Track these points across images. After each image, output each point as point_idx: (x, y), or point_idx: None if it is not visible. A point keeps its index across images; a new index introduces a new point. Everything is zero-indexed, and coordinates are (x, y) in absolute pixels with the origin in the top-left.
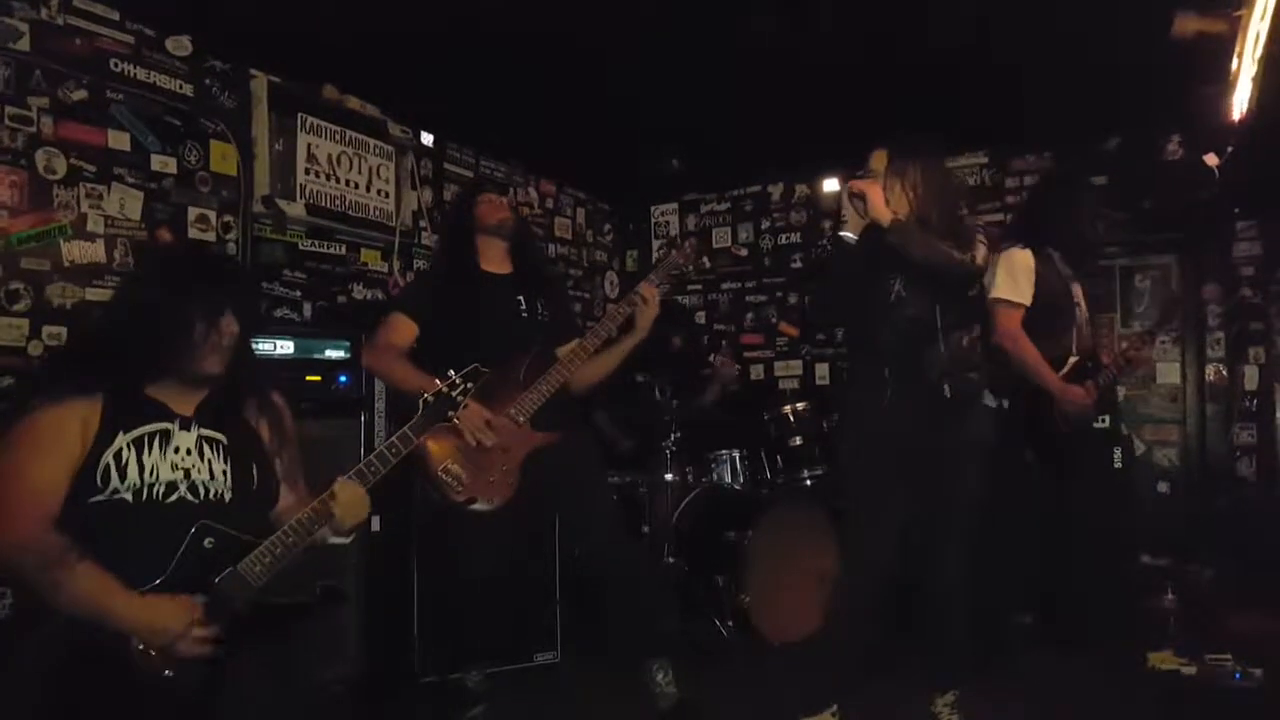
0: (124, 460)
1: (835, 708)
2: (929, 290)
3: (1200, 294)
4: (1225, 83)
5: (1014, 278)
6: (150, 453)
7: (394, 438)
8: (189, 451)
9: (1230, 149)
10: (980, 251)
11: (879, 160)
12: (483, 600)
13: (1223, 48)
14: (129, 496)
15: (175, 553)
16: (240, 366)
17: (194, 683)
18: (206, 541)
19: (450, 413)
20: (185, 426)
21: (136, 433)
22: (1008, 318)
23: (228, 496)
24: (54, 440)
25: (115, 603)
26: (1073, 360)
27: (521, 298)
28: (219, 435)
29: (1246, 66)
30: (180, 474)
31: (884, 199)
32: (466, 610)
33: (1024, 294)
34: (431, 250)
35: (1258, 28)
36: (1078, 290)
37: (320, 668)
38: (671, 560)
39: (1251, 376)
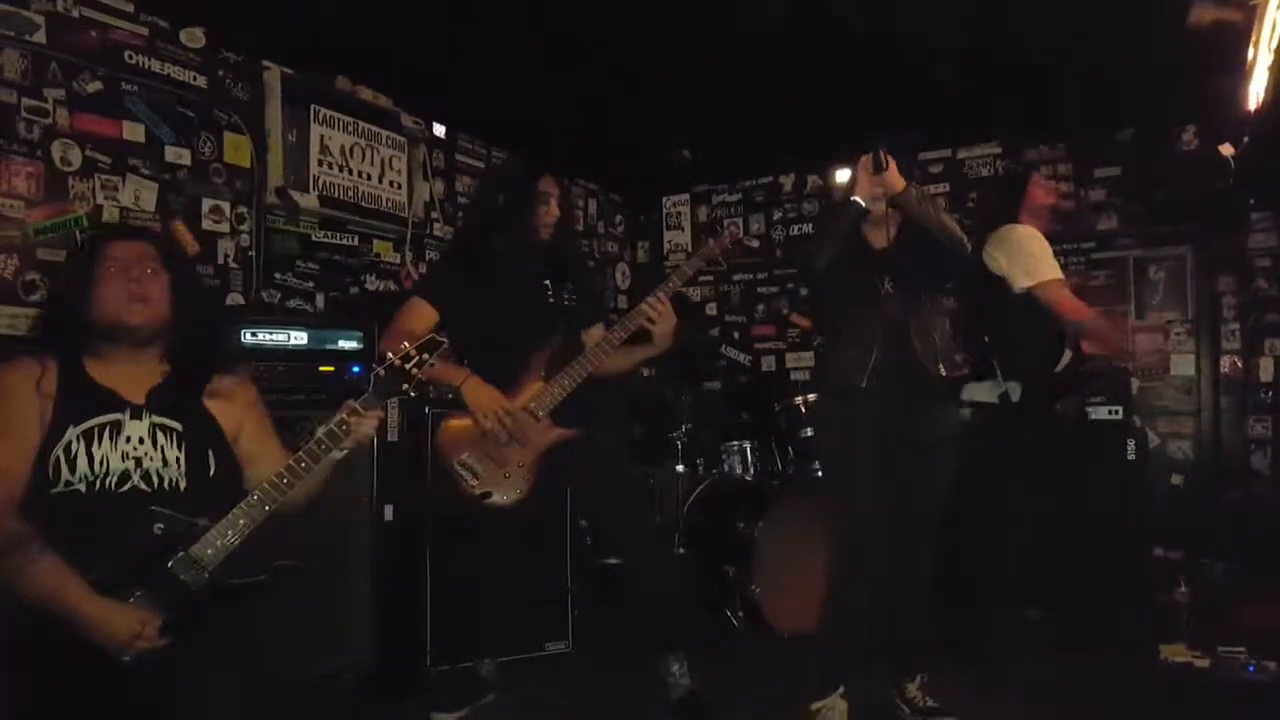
0: (73, 453)
1: (843, 689)
2: (918, 285)
3: (1215, 285)
4: (1241, 73)
5: (1049, 256)
6: (100, 444)
7: (354, 402)
8: (140, 440)
9: (1246, 139)
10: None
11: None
12: (494, 590)
13: (1238, 37)
14: (81, 488)
15: (126, 541)
16: (194, 347)
17: (152, 665)
18: (156, 527)
19: (405, 385)
20: (136, 415)
21: (85, 425)
22: (1063, 294)
23: (183, 484)
24: (14, 425)
25: (72, 601)
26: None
27: (549, 281)
28: (173, 422)
29: (1262, 56)
30: (131, 463)
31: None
32: (478, 600)
33: (1056, 267)
34: (456, 230)
35: (1274, 17)
36: None
37: (323, 649)
38: (682, 551)
39: (1267, 368)
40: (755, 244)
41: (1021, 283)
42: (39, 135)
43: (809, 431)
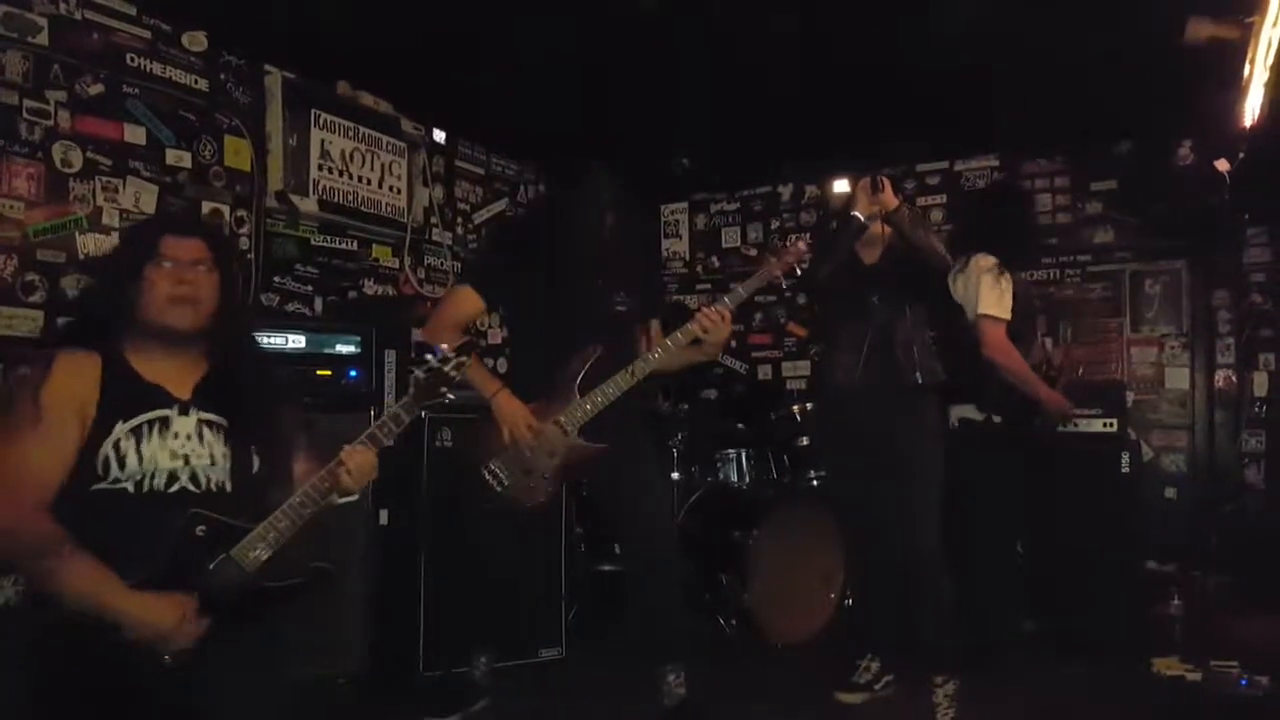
0: (123, 451)
1: (877, 667)
2: (902, 301)
3: (1210, 300)
4: (1237, 89)
5: (998, 293)
6: (149, 441)
7: (396, 407)
8: (188, 437)
9: (1241, 155)
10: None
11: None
12: (489, 596)
13: (1235, 54)
14: (130, 486)
15: (169, 542)
16: (237, 345)
17: (188, 665)
18: (199, 530)
19: (443, 389)
20: (184, 411)
21: (134, 421)
22: (995, 332)
23: (228, 484)
24: (51, 424)
25: (109, 598)
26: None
27: (601, 281)
28: (218, 418)
29: (1258, 73)
30: (180, 461)
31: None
32: (473, 605)
33: (1007, 308)
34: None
35: (1270, 34)
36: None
37: (317, 652)
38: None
39: (1261, 383)
40: (753, 253)
41: (970, 313)
42: (40, 136)
43: (805, 440)
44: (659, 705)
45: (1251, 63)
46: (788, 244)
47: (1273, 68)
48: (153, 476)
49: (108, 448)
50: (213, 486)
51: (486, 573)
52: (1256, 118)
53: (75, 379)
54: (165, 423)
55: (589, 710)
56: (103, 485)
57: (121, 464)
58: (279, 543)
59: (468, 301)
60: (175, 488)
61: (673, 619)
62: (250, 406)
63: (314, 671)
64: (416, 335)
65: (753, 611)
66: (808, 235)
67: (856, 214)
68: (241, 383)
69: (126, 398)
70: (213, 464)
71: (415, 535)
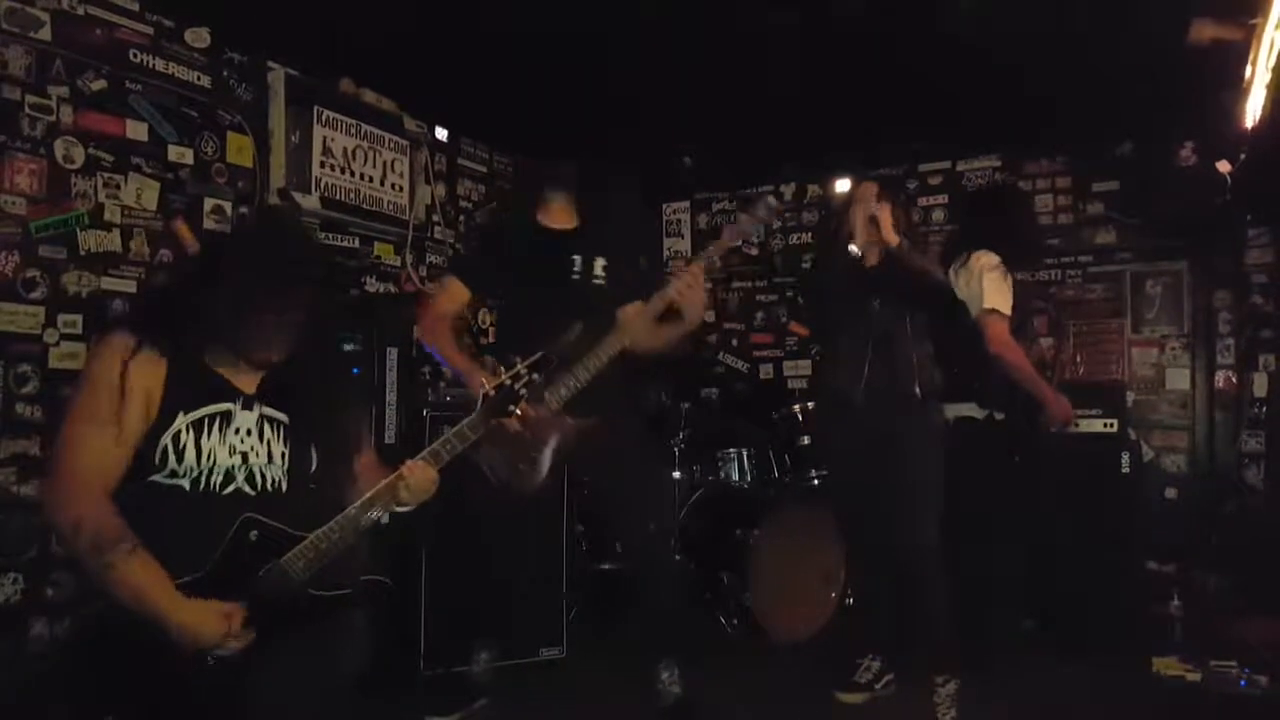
0: (182, 443)
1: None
2: (902, 308)
3: (1211, 301)
4: (1239, 90)
5: (1000, 288)
6: (210, 436)
7: (462, 425)
8: (249, 432)
9: (1243, 156)
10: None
11: (867, 190)
12: (490, 594)
13: (1237, 55)
14: (185, 484)
15: (221, 545)
16: (307, 344)
17: (233, 668)
18: (252, 535)
19: (511, 407)
20: (247, 405)
21: (197, 414)
22: (999, 327)
23: (284, 483)
24: (115, 411)
25: (162, 601)
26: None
27: (578, 257)
28: (281, 415)
29: (1260, 74)
30: (238, 459)
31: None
32: (473, 604)
33: (1009, 304)
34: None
35: (1272, 36)
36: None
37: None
38: (678, 557)
39: (1261, 384)
40: (755, 252)
41: (973, 309)
42: (42, 132)
43: (806, 440)
44: (654, 703)
45: (1253, 64)
46: (761, 198)
47: (1275, 69)
48: (210, 474)
49: (167, 439)
50: (268, 486)
51: (487, 572)
52: (1258, 119)
53: (142, 365)
54: (228, 417)
55: (589, 710)
56: (158, 478)
57: (180, 457)
58: (331, 553)
59: (453, 291)
60: (231, 489)
61: (667, 613)
62: (313, 405)
63: (349, 670)
64: (415, 332)
65: (754, 611)
66: (809, 235)
67: (853, 248)
68: (306, 380)
69: (191, 388)
70: (270, 461)
71: (415, 535)
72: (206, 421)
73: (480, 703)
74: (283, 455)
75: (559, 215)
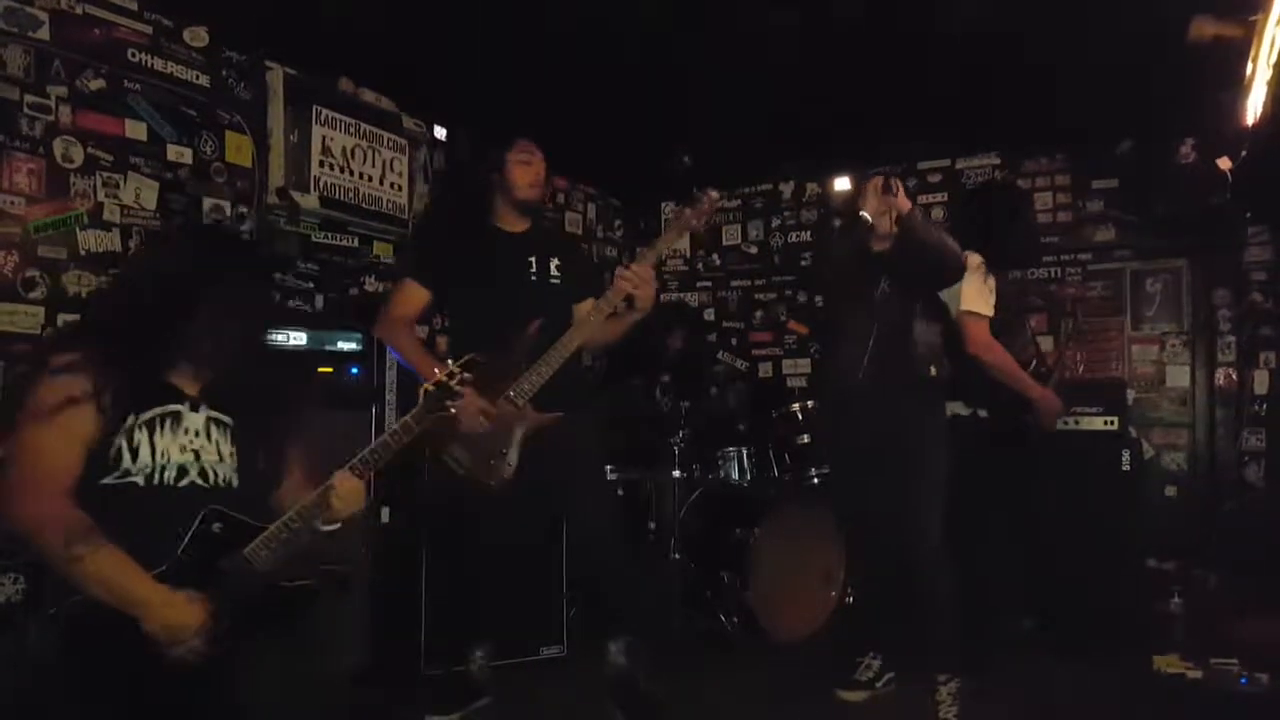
0: (136, 442)
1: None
2: (913, 289)
3: (1211, 298)
4: (1240, 87)
5: (980, 290)
6: (162, 434)
7: (395, 426)
8: (198, 433)
9: (1243, 154)
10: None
11: (875, 180)
12: (490, 593)
13: (1238, 52)
14: (140, 480)
15: (183, 537)
16: (244, 345)
17: (204, 661)
18: (215, 526)
19: (448, 402)
20: (194, 407)
21: (149, 414)
22: (979, 328)
23: (235, 481)
24: (70, 415)
25: (140, 589)
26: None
27: (533, 259)
28: (225, 417)
29: (1261, 71)
30: (190, 456)
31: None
32: (473, 603)
33: (990, 305)
34: (432, 199)
35: (1273, 33)
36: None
37: (330, 654)
38: (677, 557)
39: (1261, 381)
40: (754, 250)
41: (953, 310)
42: (41, 132)
43: (806, 438)
44: (605, 676)
45: (1254, 61)
46: (703, 193)
47: (1275, 66)
48: (163, 470)
49: (120, 439)
50: (220, 483)
51: (487, 571)
52: (1258, 116)
53: (90, 370)
54: (177, 417)
55: (589, 709)
56: (111, 479)
57: (134, 455)
58: (292, 544)
59: (412, 294)
60: (185, 482)
61: (621, 591)
62: (255, 407)
63: (318, 663)
64: (374, 330)
65: (754, 609)
66: (808, 233)
67: (864, 214)
68: (247, 383)
69: (141, 391)
70: (220, 460)
71: (417, 532)
72: (158, 420)
73: (481, 702)
74: (231, 454)
75: (511, 219)
